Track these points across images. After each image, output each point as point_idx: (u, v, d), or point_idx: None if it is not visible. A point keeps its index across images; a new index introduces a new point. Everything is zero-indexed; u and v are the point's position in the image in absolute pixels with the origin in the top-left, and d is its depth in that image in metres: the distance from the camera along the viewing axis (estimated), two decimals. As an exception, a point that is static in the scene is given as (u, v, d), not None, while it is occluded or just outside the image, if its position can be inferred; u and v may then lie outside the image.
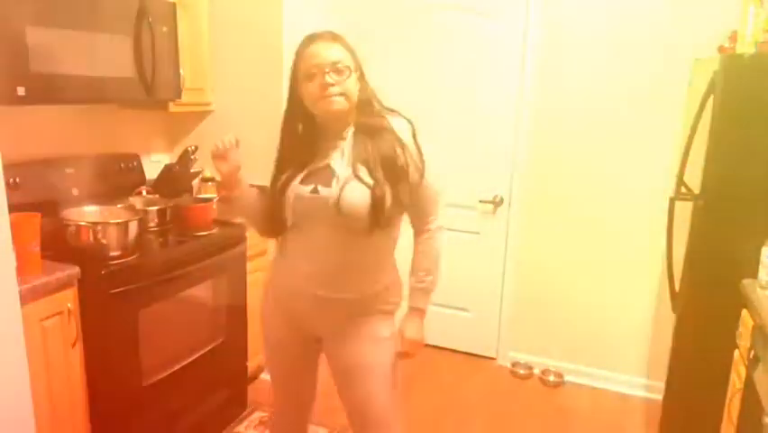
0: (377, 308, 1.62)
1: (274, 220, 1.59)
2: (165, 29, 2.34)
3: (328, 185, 1.50)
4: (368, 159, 1.49)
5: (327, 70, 1.46)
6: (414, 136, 1.57)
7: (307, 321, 1.65)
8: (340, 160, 1.53)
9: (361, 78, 1.55)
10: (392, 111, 1.60)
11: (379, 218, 1.48)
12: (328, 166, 1.53)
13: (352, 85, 1.50)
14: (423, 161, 1.56)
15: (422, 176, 1.56)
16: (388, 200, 1.48)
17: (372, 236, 1.51)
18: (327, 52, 1.47)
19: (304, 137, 1.58)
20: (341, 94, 1.47)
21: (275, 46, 2.68)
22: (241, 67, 2.76)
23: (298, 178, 1.54)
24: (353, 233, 1.50)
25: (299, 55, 1.51)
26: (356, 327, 1.61)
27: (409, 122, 1.59)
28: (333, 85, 1.46)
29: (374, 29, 3.13)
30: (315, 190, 1.51)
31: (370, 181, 1.47)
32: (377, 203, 1.46)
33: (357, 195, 1.46)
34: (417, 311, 1.66)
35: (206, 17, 2.71)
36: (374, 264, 1.60)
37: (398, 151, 1.51)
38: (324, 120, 1.55)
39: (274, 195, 1.57)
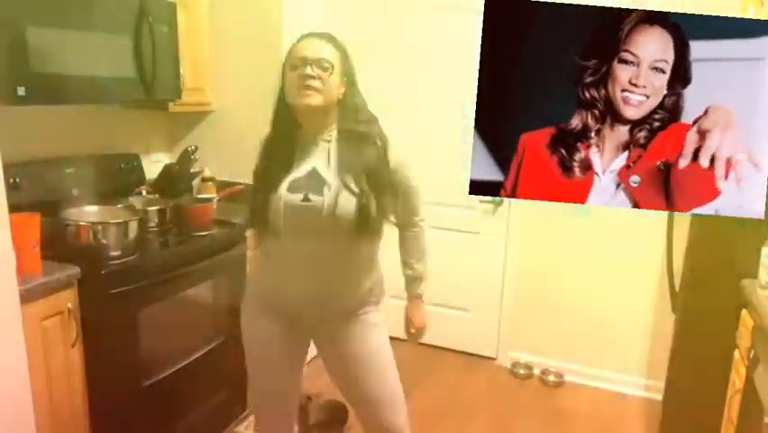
0: (365, 301, 1.68)
1: (259, 216, 1.58)
2: (165, 29, 2.34)
3: (320, 193, 1.50)
4: (352, 168, 1.51)
5: (310, 63, 1.47)
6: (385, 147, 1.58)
7: (299, 323, 1.68)
8: (326, 166, 1.54)
9: (350, 83, 1.55)
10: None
11: (365, 227, 1.51)
12: (315, 172, 1.54)
13: (332, 84, 1.50)
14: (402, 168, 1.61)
15: (400, 179, 1.61)
16: (374, 210, 1.51)
17: (358, 244, 1.56)
18: (316, 47, 1.50)
19: (289, 133, 1.59)
20: (318, 89, 1.48)
21: (275, 46, 2.67)
22: (241, 67, 2.76)
23: (286, 182, 1.54)
24: (341, 241, 1.53)
25: (290, 48, 1.54)
26: (349, 322, 1.67)
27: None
28: (312, 78, 1.47)
29: (374, 28, 3.13)
30: (306, 199, 1.51)
31: (356, 190, 1.49)
32: (364, 212, 1.49)
33: (348, 204, 1.49)
34: (418, 297, 1.77)
35: (206, 17, 2.70)
36: (361, 269, 1.65)
37: (381, 161, 1.54)
38: (303, 117, 1.55)
39: (264, 190, 1.57)
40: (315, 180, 1.53)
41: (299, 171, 1.55)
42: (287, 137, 1.59)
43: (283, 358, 1.74)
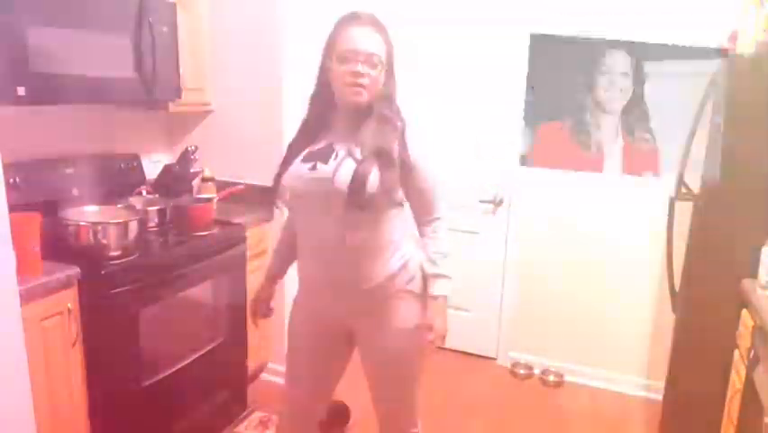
0: (399, 289, 1.60)
1: (276, 187, 1.60)
2: (165, 29, 2.34)
3: (326, 162, 1.50)
4: (364, 140, 1.48)
5: (362, 59, 1.45)
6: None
7: (335, 315, 1.65)
8: (343, 139, 1.53)
9: (390, 72, 1.54)
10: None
11: (358, 195, 1.43)
12: (330, 145, 1.53)
13: (379, 79, 1.50)
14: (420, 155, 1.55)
15: (418, 168, 1.54)
16: (373, 180, 1.44)
17: (373, 216, 1.50)
18: (367, 41, 1.46)
19: (324, 112, 1.58)
20: (366, 87, 1.46)
21: (275, 46, 2.68)
22: (241, 67, 2.76)
23: (303, 154, 1.55)
24: (348, 214, 1.47)
25: (338, 33, 1.50)
26: (383, 316, 1.60)
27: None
28: (363, 75, 1.45)
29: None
30: (313, 167, 1.51)
31: (359, 158, 1.47)
32: (357, 178, 1.43)
33: (348, 173, 1.45)
34: (436, 299, 1.60)
35: (206, 17, 2.70)
36: (382, 245, 1.56)
37: (396, 139, 1.50)
38: (343, 105, 1.54)
39: (286, 161, 1.59)
40: (327, 151, 1.53)
41: (319, 144, 1.56)
42: (321, 115, 1.59)
43: (321, 357, 1.74)
